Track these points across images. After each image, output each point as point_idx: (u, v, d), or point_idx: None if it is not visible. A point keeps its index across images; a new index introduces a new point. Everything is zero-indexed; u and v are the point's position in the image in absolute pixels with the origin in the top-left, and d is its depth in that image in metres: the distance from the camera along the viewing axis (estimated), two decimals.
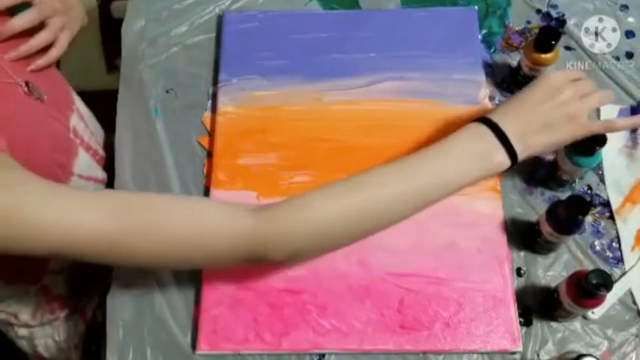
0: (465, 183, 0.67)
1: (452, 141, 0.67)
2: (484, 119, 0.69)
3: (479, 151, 0.67)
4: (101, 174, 0.86)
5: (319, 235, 0.63)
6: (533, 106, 0.68)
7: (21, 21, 0.68)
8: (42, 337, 0.87)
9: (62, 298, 0.85)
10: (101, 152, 0.88)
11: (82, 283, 0.88)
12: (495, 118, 0.68)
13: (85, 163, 0.80)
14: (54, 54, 0.73)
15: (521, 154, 0.67)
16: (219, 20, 0.94)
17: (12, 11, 0.70)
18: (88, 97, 0.89)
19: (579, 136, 0.69)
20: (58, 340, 0.88)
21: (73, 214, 0.53)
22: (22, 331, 0.85)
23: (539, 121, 0.68)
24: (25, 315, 0.83)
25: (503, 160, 0.67)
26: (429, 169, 0.65)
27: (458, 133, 0.68)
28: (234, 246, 0.60)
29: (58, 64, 0.80)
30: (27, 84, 0.67)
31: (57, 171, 0.72)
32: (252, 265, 0.66)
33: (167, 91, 0.89)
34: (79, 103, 0.83)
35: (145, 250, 0.57)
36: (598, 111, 0.86)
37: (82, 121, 0.82)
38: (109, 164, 0.89)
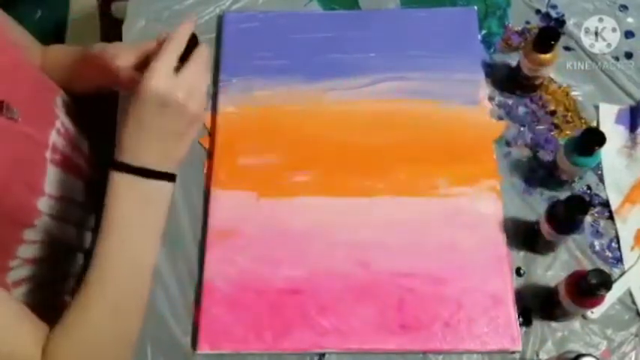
0: (160, 227, 0.63)
1: (111, 215, 0.59)
2: (120, 165, 0.60)
3: (141, 204, 0.60)
4: (85, 195, 0.81)
5: None
6: (154, 129, 0.59)
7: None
8: None
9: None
10: (84, 167, 0.82)
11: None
12: (128, 158, 0.59)
13: (60, 182, 0.75)
14: None
15: (175, 170, 0.62)
16: (220, 20, 0.94)
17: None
18: (88, 97, 0.89)
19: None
20: None
21: None
22: None
23: (171, 136, 0.60)
24: None
25: (163, 187, 0.61)
26: (118, 261, 0.60)
27: (108, 201, 0.59)
28: None
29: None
30: (0, 104, 0.64)
31: (18, 189, 0.68)
32: None
33: None
34: (63, 118, 0.79)
35: None
36: (597, 110, 0.86)
37: (63, 136, 0.77)
38: (103, 173, 0.87)
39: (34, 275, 0.76)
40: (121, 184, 0.60)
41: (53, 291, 0.80)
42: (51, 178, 0.73)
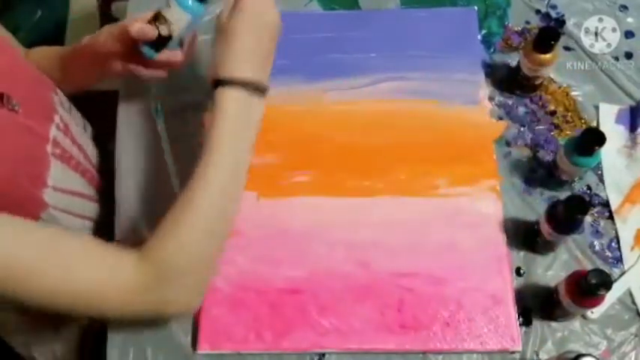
0: (254, 140, 0.68)
1: (218, 128, 0.66)
2: (224, 81, 0.66)
3: (243, 116, 0.66)
4: (86, 189, 0.82)
5: (202, 263, 0.65)
6: (252, 45, 0.67)
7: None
8: (38, 343, 0.86)
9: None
10: (84, 163, 0.83)
11: None
12: (232, 72, 0.66)
13: (62, 175, 0.76)
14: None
15: (266, 80, 0.69)
16: None
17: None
18: (88, 97, 0.89)
19: None
20: (55, 348, 0.87)
21: None
22: (20, 338, 0.85)
23: (264, 51, 0.68)
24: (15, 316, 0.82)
25: (260, 101, 0.68)
26: (225, 161, 0.65)
27: (215, 116, 0.66)
28: (126, 302, 0.61)
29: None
30: (1, 95, 0.65)
31: (23, 181, 0.69)
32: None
33: (167, 91, 0.89)
34: (59, 113, 0.79)
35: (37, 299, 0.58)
36: (597, 110, 0.86)
37: (63, 132, 0.78)
38: (103, 170, 0.88)
39: None
40: (226, 98, 0.65)
41: None
42: (54, 172, 0.74)
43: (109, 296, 0.60)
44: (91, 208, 0.83)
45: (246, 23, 0.66)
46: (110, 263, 0.61)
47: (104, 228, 0.83)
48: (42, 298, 0.58)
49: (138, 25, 0.70)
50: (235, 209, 0.67)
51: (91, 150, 0.86)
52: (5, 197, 0.65)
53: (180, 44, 0.75)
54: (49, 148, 0.74)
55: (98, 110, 0.89)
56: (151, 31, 0.70)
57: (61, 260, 0.59)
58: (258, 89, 0.67)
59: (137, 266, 0.61)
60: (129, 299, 0.61)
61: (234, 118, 0.66)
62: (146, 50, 0.72)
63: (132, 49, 0.73)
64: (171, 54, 0.75)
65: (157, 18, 0.70)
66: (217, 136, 0.65)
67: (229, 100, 0.66)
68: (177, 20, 0.71)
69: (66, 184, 0.76)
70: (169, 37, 0.71)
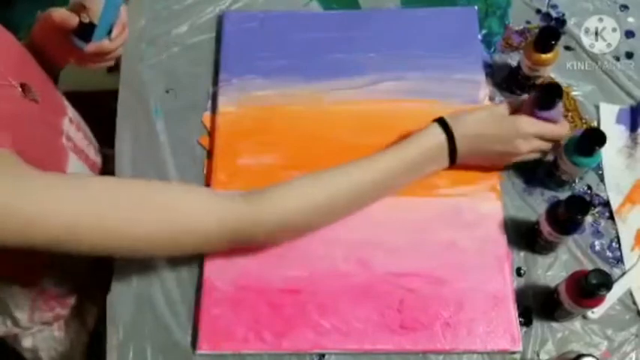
0: (414, 179, 0.78)
1: (412, 144, 0.75)
2: (445, 124, 0.76)
3: (432, 157, 0.76)
4: None
5: (294, 220, 0.72)
6: (489, 142, 0.76)
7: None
8: (45, 348, 0.86)
9: (59, 297, 0.84)
10: (92, 157, 0.85)
11: (82, 284, 0.87)
12: (457, 133, 0.75)
13: (78, 169, 0.78)
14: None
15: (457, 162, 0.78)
16: (219, 20, 0.94)
17: None
18: (88, 97, 0.89)
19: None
20: (61, 350, 0.87)
21: (69, 206, 0.56)
22: (27, 342, 0.85)
23: (486, 153, 0.77)
24: (20, 314, 0.82)
25: (445, 165, 0.78)
26: (387, 166, 0.74)
27: (419, 136, 0.75)
28: (223, 225, 0.66)
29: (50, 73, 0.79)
30: (22, 86, 0.66)
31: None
32: (235, 246, 0.72)
33: (167, 91, 0.89)
34: (69, 108, 0.81)
35: (136, 236, 0.61)
36: (598, 110, 0.86)
37: (74, 125, 0.80)
38: (105, 167, 0.88)
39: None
40: (435, 140, 0.75)
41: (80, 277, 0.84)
42: (72, 165, 0.75)
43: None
44: None
45: (510, 142, 0.75)
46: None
47: None
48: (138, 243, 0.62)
49: (60, 12, 0.68)
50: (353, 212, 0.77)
51: (94, 142, 0.87)
52: None
53: (109, 33, 0.72)
54: (64, 140, 0.74)
55: (96, 111, 0.89)
56: (73, 19, 0.68)
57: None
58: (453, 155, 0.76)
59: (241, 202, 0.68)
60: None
61: (419, 153, 0.74)
62: (76, 41, 0.70)
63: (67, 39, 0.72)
64: (100, 44, 0.72)
65: (80, 7, 0.68)
66: (402, 153, 0.74)
67: (435, 136, 0.75)
68: (96, 6, 0.69)
69: None
70: (92, 25, 0.69)
